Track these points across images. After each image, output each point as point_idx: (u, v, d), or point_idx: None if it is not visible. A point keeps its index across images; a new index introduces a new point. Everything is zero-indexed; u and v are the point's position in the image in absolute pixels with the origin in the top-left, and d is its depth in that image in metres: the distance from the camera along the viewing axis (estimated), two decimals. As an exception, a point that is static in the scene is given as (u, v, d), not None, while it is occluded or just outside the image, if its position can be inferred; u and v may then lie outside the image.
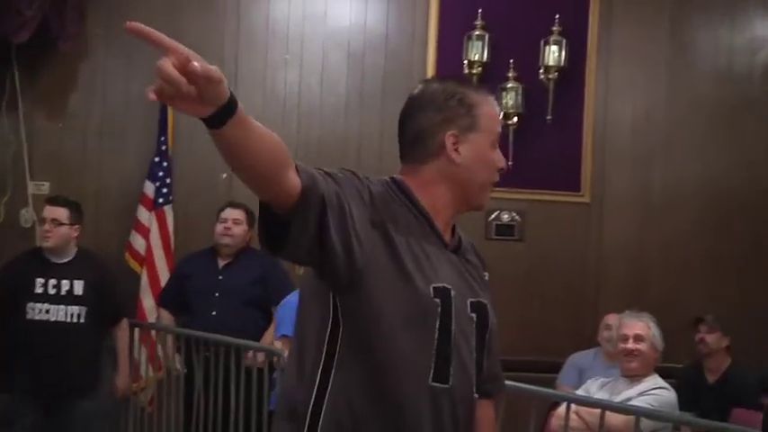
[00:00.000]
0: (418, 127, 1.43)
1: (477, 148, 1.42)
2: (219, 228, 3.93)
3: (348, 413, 1.31)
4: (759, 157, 4.63)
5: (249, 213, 3.88)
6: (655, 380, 3.23)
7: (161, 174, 4.31)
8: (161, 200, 4.32)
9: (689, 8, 4.71)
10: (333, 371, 1.33)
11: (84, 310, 3.50)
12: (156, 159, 4.31)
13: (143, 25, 0.96)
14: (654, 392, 3.14)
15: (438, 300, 1.35)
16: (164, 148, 4.33)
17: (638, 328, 3.30)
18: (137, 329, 4.13)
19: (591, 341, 4.16)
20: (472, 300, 1.43)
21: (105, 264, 3.82)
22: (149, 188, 4.32)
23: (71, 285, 3.51)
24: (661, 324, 3.46)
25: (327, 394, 1.32)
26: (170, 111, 4.33)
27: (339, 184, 1.25)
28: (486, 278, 1.55)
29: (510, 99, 4.40)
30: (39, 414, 3.46)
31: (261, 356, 3.58)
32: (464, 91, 1.46)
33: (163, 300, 4.12)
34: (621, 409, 2.93)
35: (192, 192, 4.45)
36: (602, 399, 3.13)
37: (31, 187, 4.23)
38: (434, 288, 1.35)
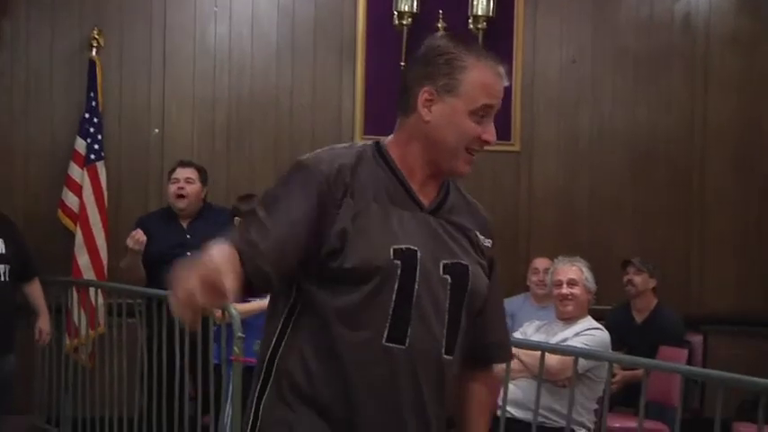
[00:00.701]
0: (404, 80, 1.44)
1: (450, 112, 1.38)
2: (173, 188, 3.85)
3: (301, 370, 1.35)
4: (681, 100, 4.80)
5: (201, 171, 3.87)
6: (588, 321, 3.34)
7: (92, 130, 4.29)
8: (93, 156, 4.31)
9: None
10: (289, 329, 1.37)
11: (6, 267, 3.52)
12: (87, 116, 4.29)
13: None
14: (588, 333, 3.26)
15: (398, 261, 1.34)
16: (93, 104, 4.31)
17: (572, 272, 3.39)
18: (73, 287, 4.19)
19: (523, 287, 4.31)
20: (446, 261, 1.40)
21: (14, 221, 3.81)
22: (80, 145, 4.30)
23: None
24: (590, 267, 3.56)
25: (280, 352, 1.36)
26: (98, 67, 4.32)
27: (276, 215, 1.31)
28: (486, 242, 1.50)
29: (439, 49, 4.46)
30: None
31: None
32: (459, 53, 1.39)
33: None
34: (559, 349, 3.04)
35: (124, 148, 4.44)
36: (540, 341, 3.23)
37: None
38: (395, 249, 1.34)
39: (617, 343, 4.02)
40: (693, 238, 4.79)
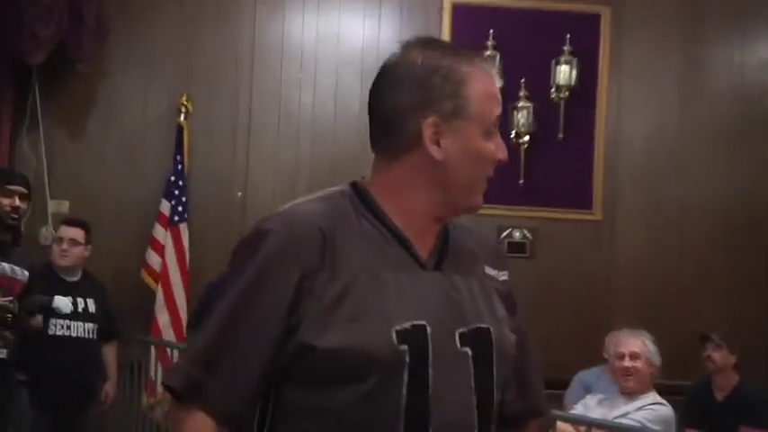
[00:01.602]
0: (389, 109, 1.13)
1: (464, 140, 1.13)
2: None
3: None
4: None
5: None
6: (653, 396, 3.33)
7: (176, 192, 4.46)
8: (176, 218, 4.46)
9: (700, 26, 4.83)
10: None
11: (95, 327, 3.80)
12: (172, 178, 4.46)
13: None
14: (650, 407, 3.24)
15: (404, 346, 1.07)
16: (179, 167, 4.48)
17: (634, 345, 3.40)
18: (152, 346, 4.32)
19: (601, 359, 4.26)
20: (463, 330, 1.13)
21: (103, 283, 4.06)
22: (165, 206, 4.46)
23: (86, 303, 3.78)
24: (673, 341, 3.59)
25: None
26: (186, 131, 4.52)
27: (242, 327, 1.06)
28: (502, 276, 1.25)
29: (522, 118, 4.55)
30: (51, 426, 3.71)
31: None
32: (451, 64, 1.13)
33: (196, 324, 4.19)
34: (605, 425, 3.13)
35: (208, 210, 4.60)
36: (600, 416, 3.29)
37: (51, 206, 4.39)
38: (398, 332, 1.07)
39: (696, 421, 4.12)
40: None
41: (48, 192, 4.40)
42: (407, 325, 1.07)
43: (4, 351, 3.52)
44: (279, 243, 1.08)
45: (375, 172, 1.17)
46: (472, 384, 1.12)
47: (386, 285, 1.09)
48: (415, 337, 1.07)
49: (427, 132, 1.10)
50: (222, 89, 4.68)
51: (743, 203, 4.72)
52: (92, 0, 4.33)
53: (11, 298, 3.26)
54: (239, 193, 4.61)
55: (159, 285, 4.45)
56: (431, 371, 1.08)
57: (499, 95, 1.15)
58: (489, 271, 1.22)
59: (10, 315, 3.27)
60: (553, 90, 4.57)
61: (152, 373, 4.34)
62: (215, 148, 4.67)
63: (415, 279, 1.12)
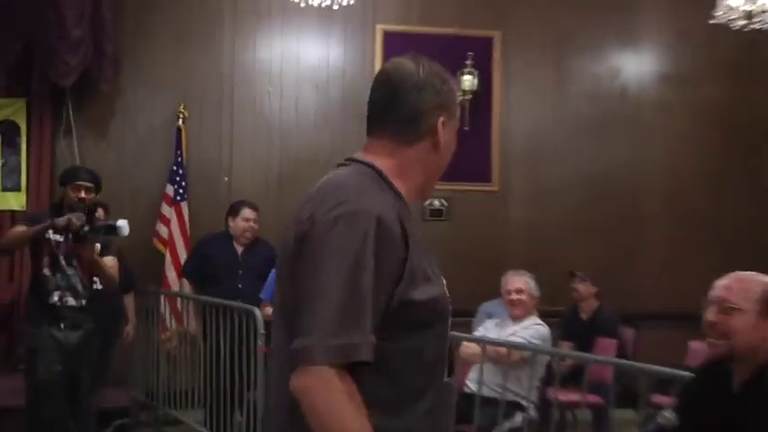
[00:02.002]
0: (415, 108, 1.33)
1: (451, 135, 1.38)
2: (244, 224, 4.77)
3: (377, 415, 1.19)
4: (621, 155, 6.14)
5: (257, 210, 4.92)
6: (534, 319, 3.93)
7: (178, 178, 5.57)
8: (178, 198, 5.55)
9: (566, 46, 6.13)
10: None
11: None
12: (174, 168, 5.58)
13: None
14: (533, 327, 3.86)
15: (449, 305, 1.34)
16: (180, 159, 5.59)
17: (519, 283, 3.95)
18: (163, 295, 5.27)
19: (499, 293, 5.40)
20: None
21: (121, 249, 4.49)
22: (170, 189, 5.55)
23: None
24: (550, 277, 4.53)
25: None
26: (183, 132, 5.62)
27: (359, 292, 1.17)
28: None
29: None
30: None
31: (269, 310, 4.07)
32: (447, 78, 1.40)
33: (186, 273, 5.06)
34: (498, 342, 3.72)
35: (202, 191, 5.71)
36: (489, 336, 3.85)
37: None
38: (448, 299, 1.34)
39: (568, 335, 5.09)
40: (631, 251, 6.01)
41: None
42: (447, 295, 1.32)
43: (82, 299, 4.03)
44: (383, 219, 1.20)
45: (380, 153, 1.33)
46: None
47: (428, 254, 1.31)
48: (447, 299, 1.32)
49: (440, 126, 1.33)
50: (210, 100, 5.78)
51: (601, 177, 6.03)
52: (110, 35, 5.35)
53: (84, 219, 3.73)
54: (225, 179, 5.76)
55: (167, 249, 5.49)
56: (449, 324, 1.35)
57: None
58: None
59: (87, 227, 3.72)
60: (460, 94, 5.88)
61: (166, 316, 5.23)
62: (206, 144, 5.78)
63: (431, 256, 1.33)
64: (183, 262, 5.36)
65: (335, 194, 1.24)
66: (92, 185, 3.95)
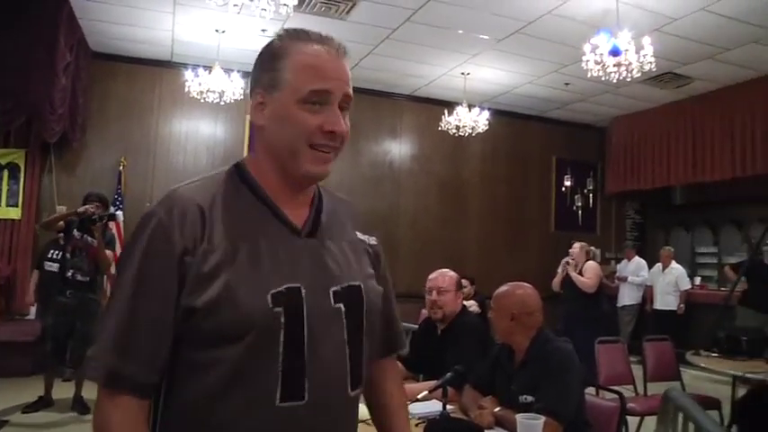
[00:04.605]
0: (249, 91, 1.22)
1: (279, 108, 1.16)
2: None
3: None
4: (388, 200, 10.52)
5: None
6: None
7: (119, 204, 8.90)
8: (119, 216, 8.96)
9: (360, 135, 10.06)
10: (163, 392, 1.15)
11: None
12: (116, 196, 8.90)
13: None
14: None
15: (279, 308, 1.11)
16: (120, 190, 8.93)
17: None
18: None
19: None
20: (336, 288, 1.19)
21: None
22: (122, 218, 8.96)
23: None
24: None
25: (159, 418, 1.15)
26: (123, 173, 9.06)
27: (139, 304, 1.09)
28: (372, 240, 1.37)
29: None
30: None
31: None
32: (280, 42, 1.19)
33: None
34: None
35: (134, 213, 8.73)
36: None
37: (58, 209, 8.33)
38: (274, 295, 1.11)
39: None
40: (390, 257, 10.29)
41: (56, 201, 8.64)
42: (282, 288, 1.12)
43: (87, 277, 5.74)
44: (161, 223, 1.11)
45: None
46: (345, 337, 1.18)
47: (261, 252, 1.14)
48: (290, 299, 1.12)
49: (254, 103, 1.19)
50: (141, 154, 9.00)
51: (375, 212, 10.05)
52: (81, 111, 8.38)
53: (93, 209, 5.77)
54: (148, 203, 8.65)
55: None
56: (306, 329, 1.13)
57: (326, 72, 1.14)
58: (360, 236, 1.33)
59: (96, 214, 5.59)
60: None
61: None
62: (136, 182, 9.02)
63: (289, 246, 1.17)
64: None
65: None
66: (99, 203, 6.15)
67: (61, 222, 6.09)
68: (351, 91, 1.24)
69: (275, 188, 1.24)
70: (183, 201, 1.18)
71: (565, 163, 11.87)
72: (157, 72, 9.23)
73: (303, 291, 1.17)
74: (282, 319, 1.13)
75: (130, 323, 1.11)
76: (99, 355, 1.11)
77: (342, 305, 1.22)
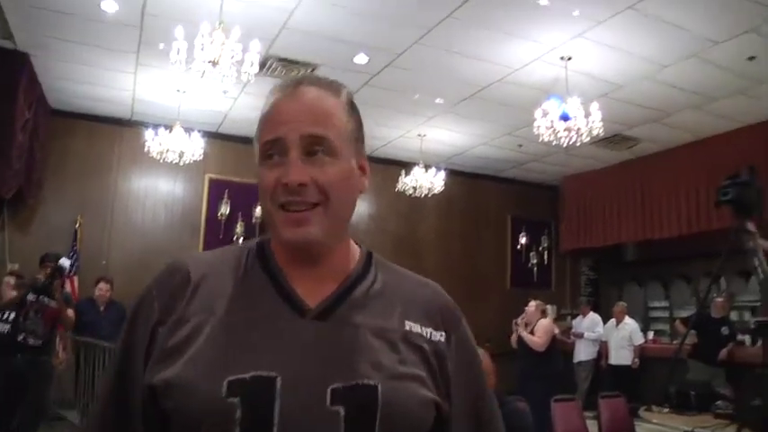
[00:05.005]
0: None
1: (262, 171, 1.01)
2: (100, 292, 7.60)
3: None
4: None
5: (111, 282, 7.97)
6: None
7: (74, 259, 8.87)
8: (73, 272, 8.82)
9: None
10: None
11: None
12: (71, 253, 8.88)
13: None
14: None
15: (234, 399, 0.89)
16: (75, 247, 8.90)
17: None
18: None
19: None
20: (338, 385, 0.92)
21: None
22: (68, 265, 8.83)
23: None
24: None
25: None
26: (79, 232, 8.99)
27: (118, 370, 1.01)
28: (437, 335, 1.04)
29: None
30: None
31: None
32: (271, 104, 1.04)
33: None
34: None
35: (88, 269, 8.82)
36: None
37: (9, 266, 8.22)
38: (232, 382, 0.90)
39: None
40: None
41: (8, 259, 8.52)
42: (246, 375, 0.91)
43: (40, 341, 5.60)
44: (149, 290, 1.02)
45: None
46: None
47: (236, 331, 0.95)
48: (254, 390, 0.90)
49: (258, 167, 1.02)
50: (99, 212, 9.01)
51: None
52: (37, 168, 8.47)
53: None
54: (104, 261, 9.00)
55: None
56: (275, 430, 0.89)
57: (275, 119, 1.00)
58: (414, 327, 1.03)
59: (47, 281, 5.71)
60: (255, 219, 10.09)
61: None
62: (93, 240, 8.99)
63: (282, 326, 0.96)
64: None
65: None
66: (51, 264, 6.34)
67: (15, 293, 6.04)
68: (319, 130, 1.01)
69: (287, 262, 1.05)
70: (175, 267, 1.06)
71: (520, 221, 12.15)
72: (117, 130, 9.31)
73: (279, 382, 0.92)
74: (238, 414, 0.90)
75: (109, 400, 1.03)
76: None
77: (341, 408, 0.93)
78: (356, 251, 1.12)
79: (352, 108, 1.10)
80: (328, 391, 0.93)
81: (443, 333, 1.06)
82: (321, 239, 1.01)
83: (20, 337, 5.75)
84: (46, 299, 5.93)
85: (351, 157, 1.05)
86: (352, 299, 1.03)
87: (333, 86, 1.09)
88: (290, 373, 0.93)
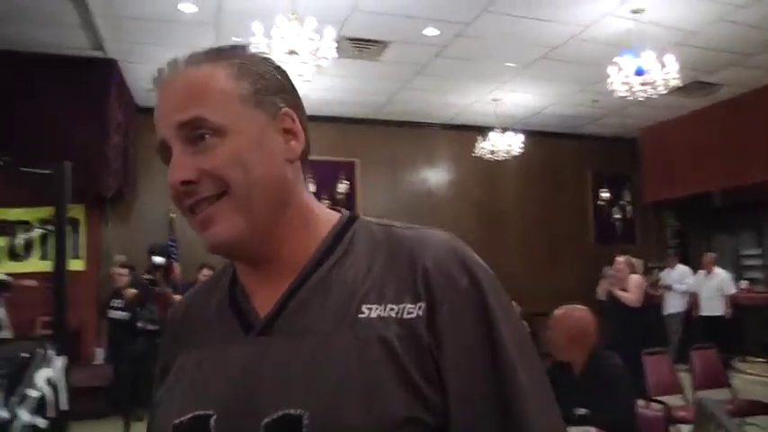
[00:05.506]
0: None
1: None
2: (203, 278, 7.36)
3: None
4: (423, 222, 10.81)
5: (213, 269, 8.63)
6: None
7: (173, 248, 9.45)
8: (173, 258, 9.32)
9: (398, 165, 10.65)
10: None
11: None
12: (171, 243, 9.48)
13: None
14: None
15: None
16: (172, 236, 9.52)
17: None
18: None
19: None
20: (269, 420, 0.76)
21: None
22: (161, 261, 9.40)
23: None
24: None
25: None
26: (174, 222, 9.54)
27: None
28: (409, 313, 0.79)
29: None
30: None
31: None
32: None
33: None
34: None
35: (189, 255, 9.43)
36: None
37: (118, 258, 8.89)
38: (175, 426, 0.82)
39: None
40: None
41: (114, 251, 9.15)
42: (187, 417, 0.82)
43: (157, 326, 6.44)
44: (162, 333, 0.98)
45: None
46: None
47: (197, 368, 0.86)
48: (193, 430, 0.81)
49: None
50: None
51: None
52: (131, 167, 9.07)
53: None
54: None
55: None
56: None
57: (156, 118, 0.87)
58: (373, 312, 0.80)
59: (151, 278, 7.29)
60: (339, 195, 10.36)
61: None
62: (188, 227, 9.66)
63: (228, 351, 0.84)
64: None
65: None
66: (129, 267, 7.63)
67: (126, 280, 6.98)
68: (191, 112, 0.84)
69: (242, 271, 0.92)
70: (176, 305, 1.02)
71: (600, 177, 12.03)
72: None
73: (212, 421, 0.81)
74: None
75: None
76: None
77: None
78: (328, 226, 0.92)
79: (245, 66, 0.88)
80: (262, 423, 0.78)
81: (423, 304, 0.81)
82: (237, 237, 0.85)
83: (139, 324, 6.54)
84: (156, 288, 6.78)
85: (256, 124, 0.86)
86: (300, 297, 0.85)
87: (210, 55, 0.89)
88: (223, 407, 0.81)
